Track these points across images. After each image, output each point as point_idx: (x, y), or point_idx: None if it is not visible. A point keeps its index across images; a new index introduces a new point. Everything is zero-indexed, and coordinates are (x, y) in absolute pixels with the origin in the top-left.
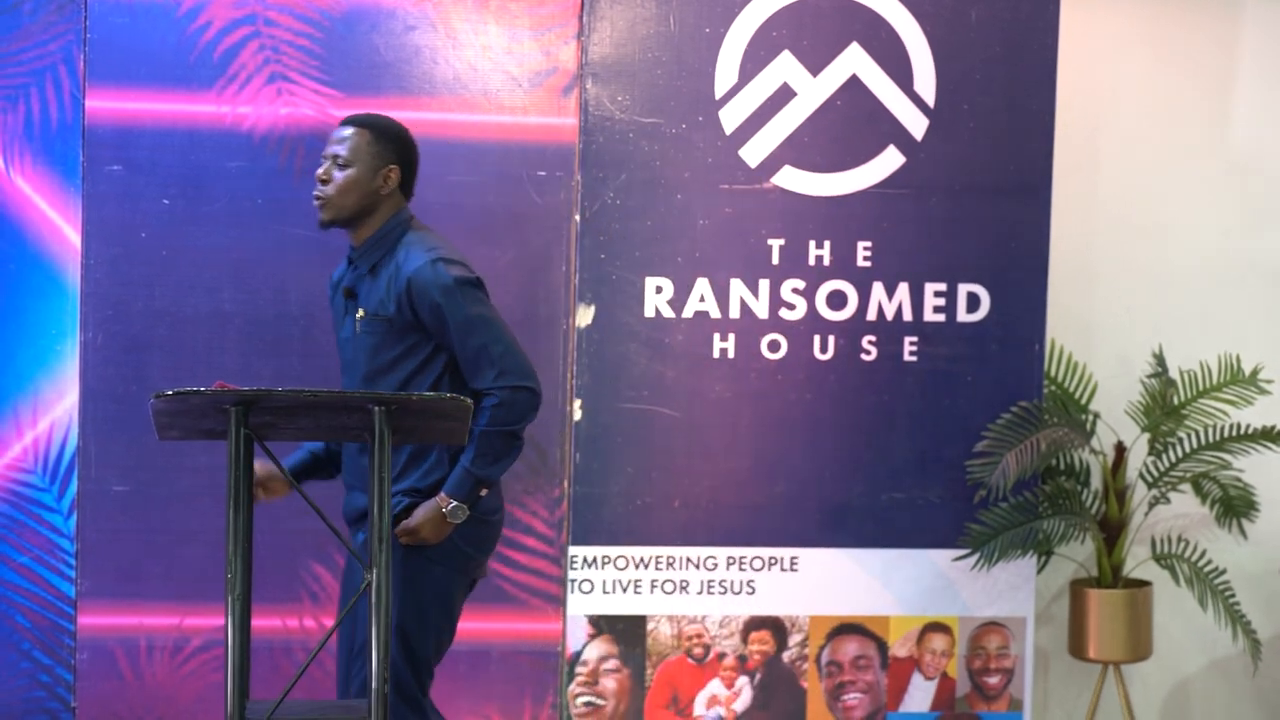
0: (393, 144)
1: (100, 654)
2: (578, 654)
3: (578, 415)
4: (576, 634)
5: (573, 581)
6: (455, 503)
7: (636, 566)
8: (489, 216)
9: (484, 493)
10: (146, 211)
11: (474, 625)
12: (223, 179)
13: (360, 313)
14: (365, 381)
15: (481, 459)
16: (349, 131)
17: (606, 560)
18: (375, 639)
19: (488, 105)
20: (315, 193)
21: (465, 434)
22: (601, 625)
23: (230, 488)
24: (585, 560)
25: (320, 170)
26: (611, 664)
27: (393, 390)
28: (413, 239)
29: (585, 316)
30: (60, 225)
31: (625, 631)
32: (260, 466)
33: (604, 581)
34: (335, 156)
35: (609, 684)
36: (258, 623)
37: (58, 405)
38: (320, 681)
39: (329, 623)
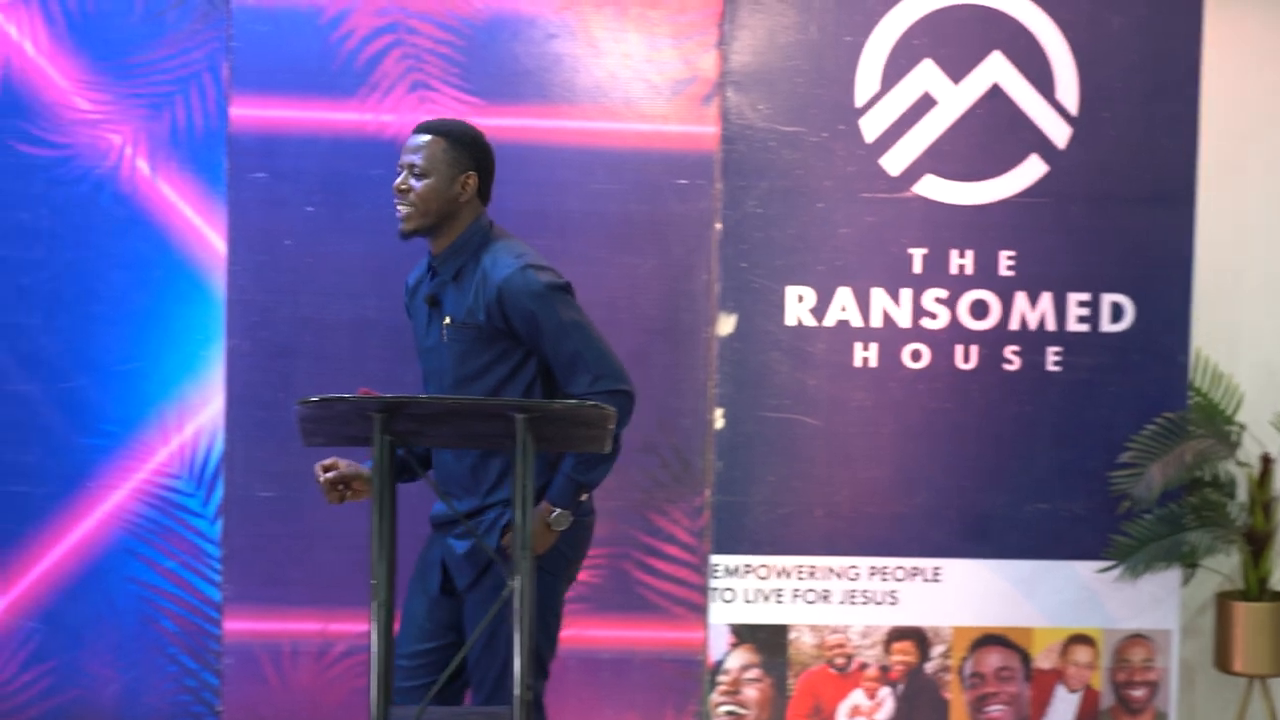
0: (469, 150)
1: (245, 659)
2: (720, 663)
3: (720, 424)
4: (718, 643)
5: (715, 590)
6: (559, 510)
7: (778, 576)
8: (630, 225)
9: (584, 498)
10: (290, 218)
11: (617, 633)
12: (365, 186)
13: (447, 320)
14: (453, 389)
15: (583, 465)
16: (424, 139)
17: (748, 569)
18: (519, 644)
19: (628, 113)
20: (396, 204)
21: (607, 441)
22: (743, 634)
23: (374, 493)
24: (727, 569)
25: (398, 180)
26: (753, 673)
27: (480, 396)
28: (497, 245)
29: (727, 325)
30: (205, 232)
31: (767, 641)
32: (347, 465)
33: (746, 590)
34: (412, 166)
35: (751, 693)
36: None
37: (204, 411)
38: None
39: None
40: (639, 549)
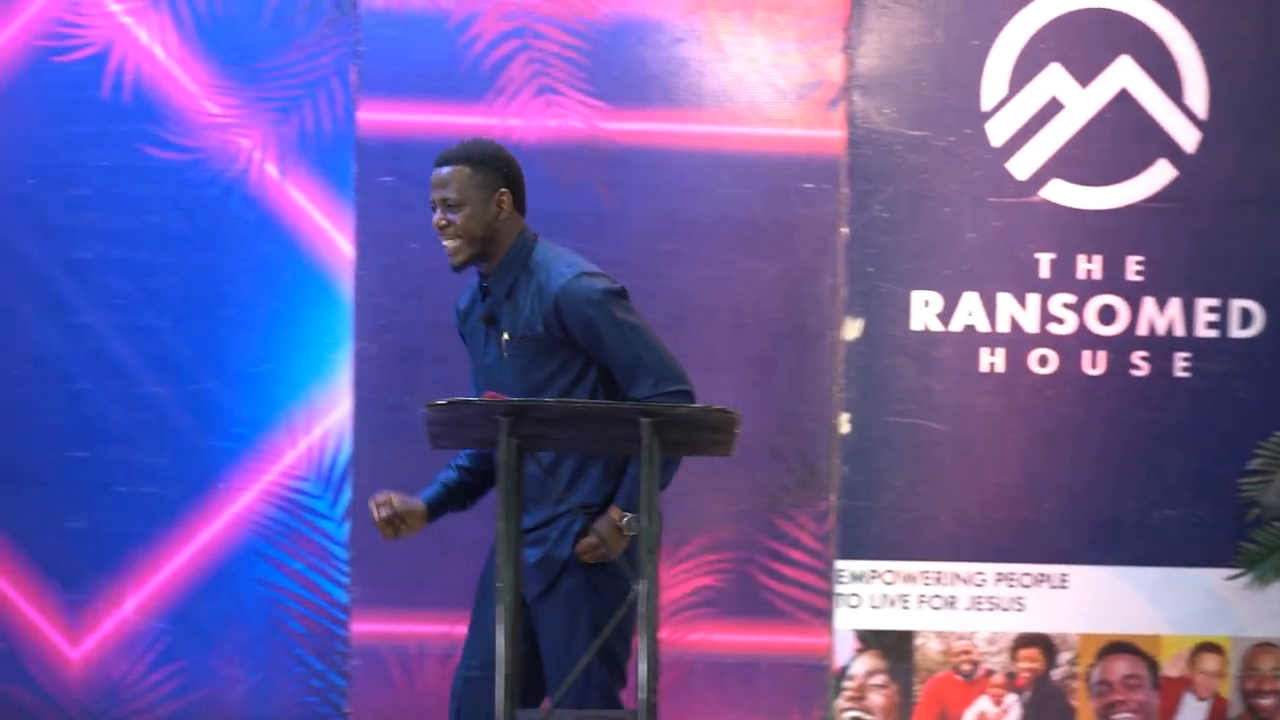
0: (494, 168)
1: (373, 660)
2: (845, 668)
3: (845, 428)
4: (844, 648)
5: (840, 596)
6: (630, 514)
7: (904, 581)
8: (756, 229)
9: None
10: (417, 222)
11: (742, 638)
12: None
13: (505, 336)
14: None
15: None
16: (448, 171)
17: (874, 575)
18: (644, 649)
19: (754, 118)
20: (443, 243)
21: (732, 446)
22: (869, 640)
23: (501, 497)
24: (853, 574)
25: (435, 219)
26: (879, 679)
27: None
28: (546, 254)
29: (853, 329)
30: (333, 235)
31: (893, 647)
32: (400, 502)
33: (871, 596)
34: (444, 200)
35: (876, 699)
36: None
37: (331, 414)
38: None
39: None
40: (764, 554)
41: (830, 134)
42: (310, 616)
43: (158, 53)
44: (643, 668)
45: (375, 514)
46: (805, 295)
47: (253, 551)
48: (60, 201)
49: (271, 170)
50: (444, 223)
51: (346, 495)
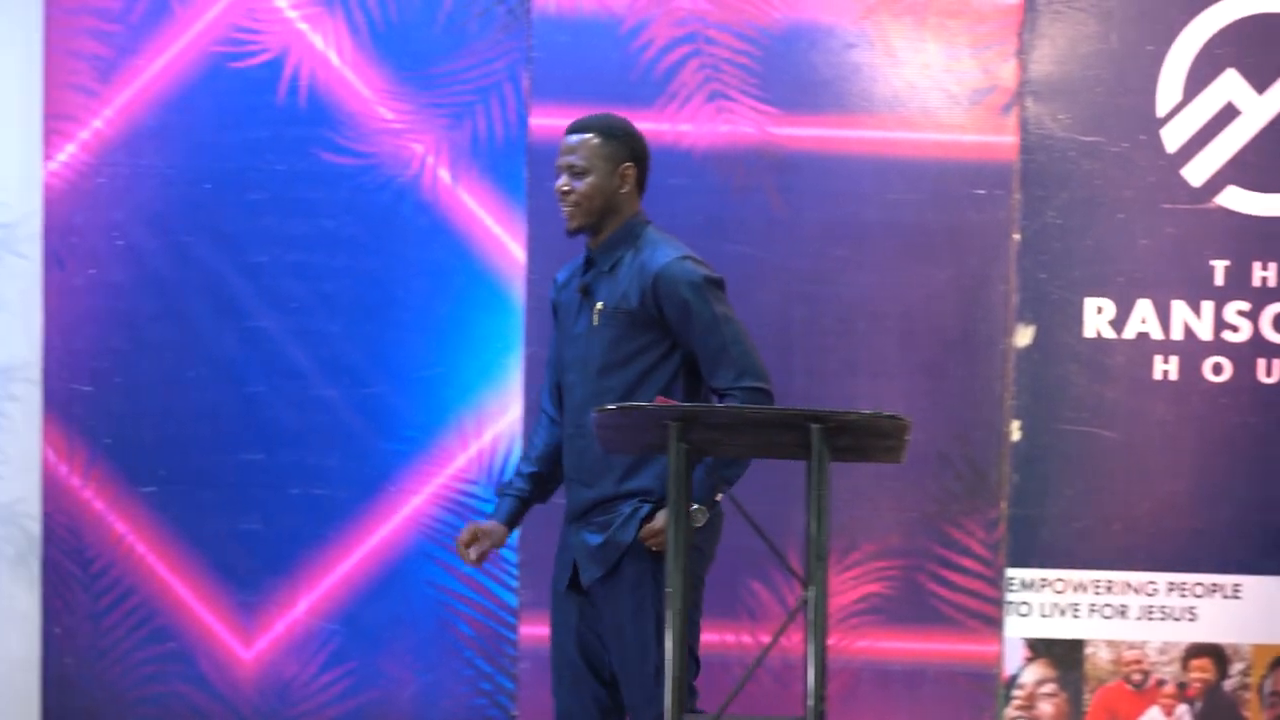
0: (624, 142)
1: (541, 663)
2: (1014, 677)
3: (1016, 436)
4: (1013, 656)
5: (1010, 603)
6: (697, 505)
7: (1075, 590)
8: (926, 234)
9: (719, 496)
10: None
11: (910, 645)
12: (663, 196)
13: (599, 305)
14: (598, 376)
15: (723, 461)
16: (579, 138)
17: (1044, 583)
18: (812, 655)
19: (926, 123)
20: (562, 206)
21: (902, 453)
22: (1039, 648)
23: (670, 502)
24: (1023, 582)
25: (559, 183)
26: (1049, 688)
27: (626, 385)
28: (655, 237)
29: (1025, 336)
30: (505, 240)
31: (1063, 655)
32: (492, 529)
33: (1041, 604)
34: (571, 166)
35: (1046, 708)
36: None
37: (502, 418)
38: (756, 697)
39: (765, 639)
40: (933, 561)
41: (1003, 140)
42: (479, 619)
43: (332, 58)
44: (811, 674)
45: (466, 556)
46: (976, 302)
47: (422, 554)
48: (236, 206)
49: (444, 175)
50: (567, 188)
51: None
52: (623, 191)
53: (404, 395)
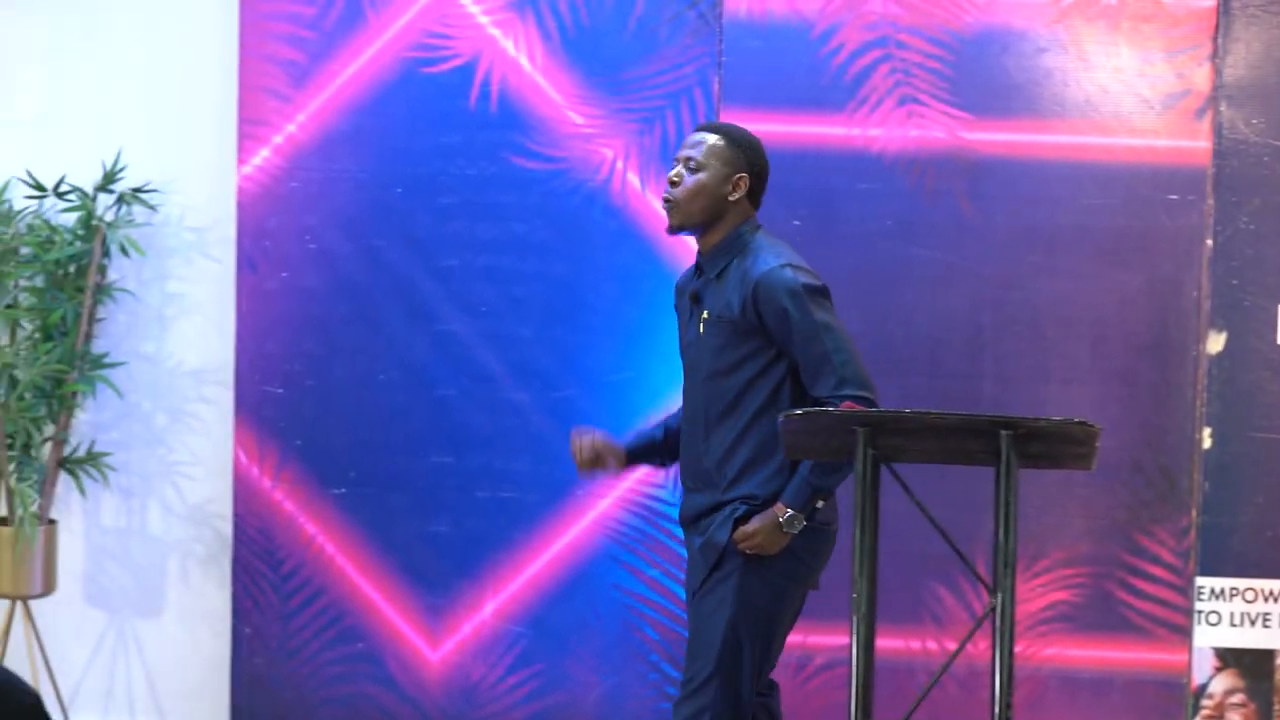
0: (744, 152)
1: None
2: (1203, 686)
3: (1207, 443)
4: (1202, 666)
5: (1200, 613)
6: (792, 512)
7: (1266, 599)
8: (1118, 239)
9: (820, 504)
10: (778, 232)
11: (1098, 653)
12: (852, 200)
13: (705, 314)
14: (706, 383)
15: (820, 469)
16: (702, 136)
17: (1235, 592)
18: (999, 662)
19: (1118, 128)
20: (664, 194)
21: (1092, 459)
22: (1228, 658)
23: (857, 507)
24: (1213, 591)
25: (672, 172)
26: (1238, 698)
27: (732, 393)
28: (762, 245)
29: (1216, 343)
30: (692, 245)
31: (1253, 666)
32: (603, 442)
33: (1232, 614)
34: (688, 159)
35: (1234, 718)
36: (881, 643)
37: None
38: (941, 704)
39: (951, 646)
40: (1122, 568)
41: (1196, 145)
42: (664, 623)
43: (524, 64)
44: (997, 682)
45: (578, 452)
46: (1168, 308)
47: (609, 557)
48: (427, 210)
49: (633, 180)
50: (676, 179)
51: None
52: (731, 199)
53: (593, 399)
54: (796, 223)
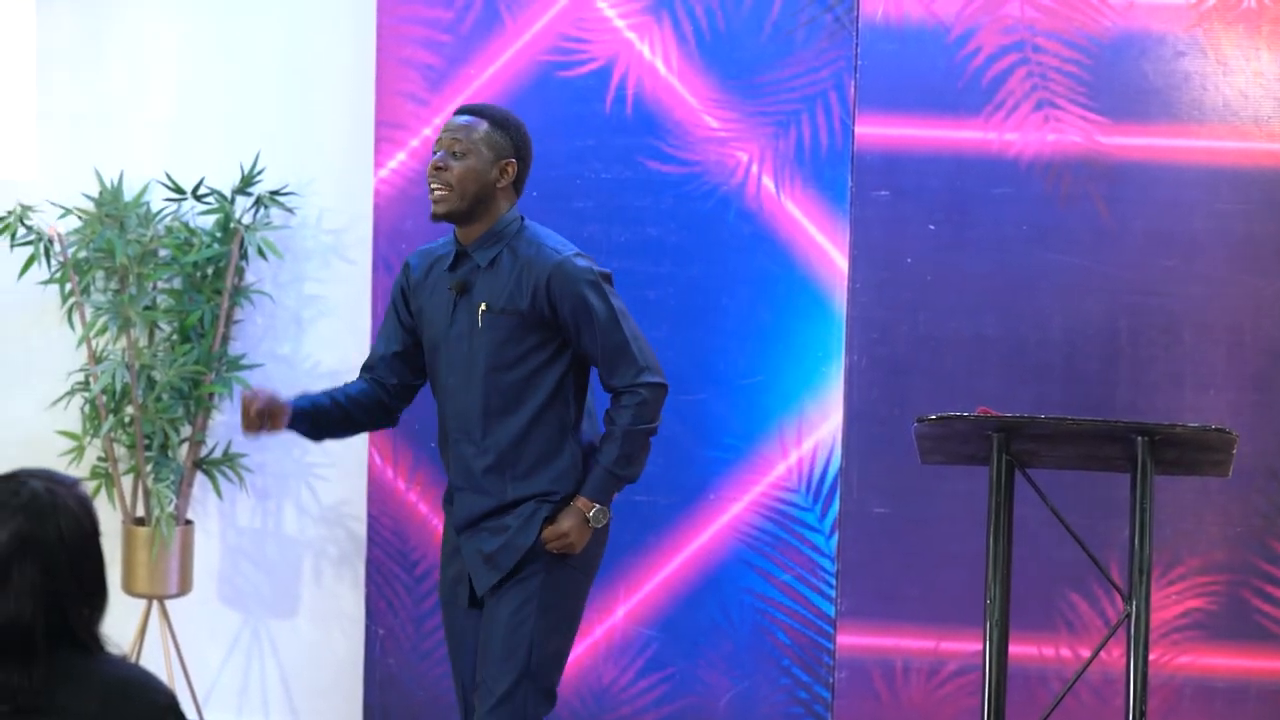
0: (511, 136)
1: (858, 673)
2: None
3: None
4: None
5: None
6: (598, 506)
7: None
8: (1255, 245)
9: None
10: (912, 237)
11: (1233, 662)
12: (987, 205)
13: (483, 307)
14: (485, 378)
15: (624, 460)
16: (465, 120)
17: None
18: (1134, 670)
19: (1257, 132)
20: (430, 184)
21: (1229, 466)
22: None
23: (991, 513)
24: None
25: (434, 159)
26: None
27: (514, 387)
28: (536, 233)
29: None
30: (828, 249)
31: None
32: (263, 399)
33: None
34: (452, 146)
35: None
36: (1013, 649)
37: (822, 426)
38: (1075, 712)
39: (1084, 653)
40: (1258, 576)
41: None
42: (796, 628)
43: (659, 67)
44: (1132, 690)
45: (246, 410)
46: None
47: (741, 561)
48: (562, 214)
49: (768, 184)
50: (442, 165)
51: (834, 508)
52: (499, 185)
53: (725, 403)
54: (931, 227)
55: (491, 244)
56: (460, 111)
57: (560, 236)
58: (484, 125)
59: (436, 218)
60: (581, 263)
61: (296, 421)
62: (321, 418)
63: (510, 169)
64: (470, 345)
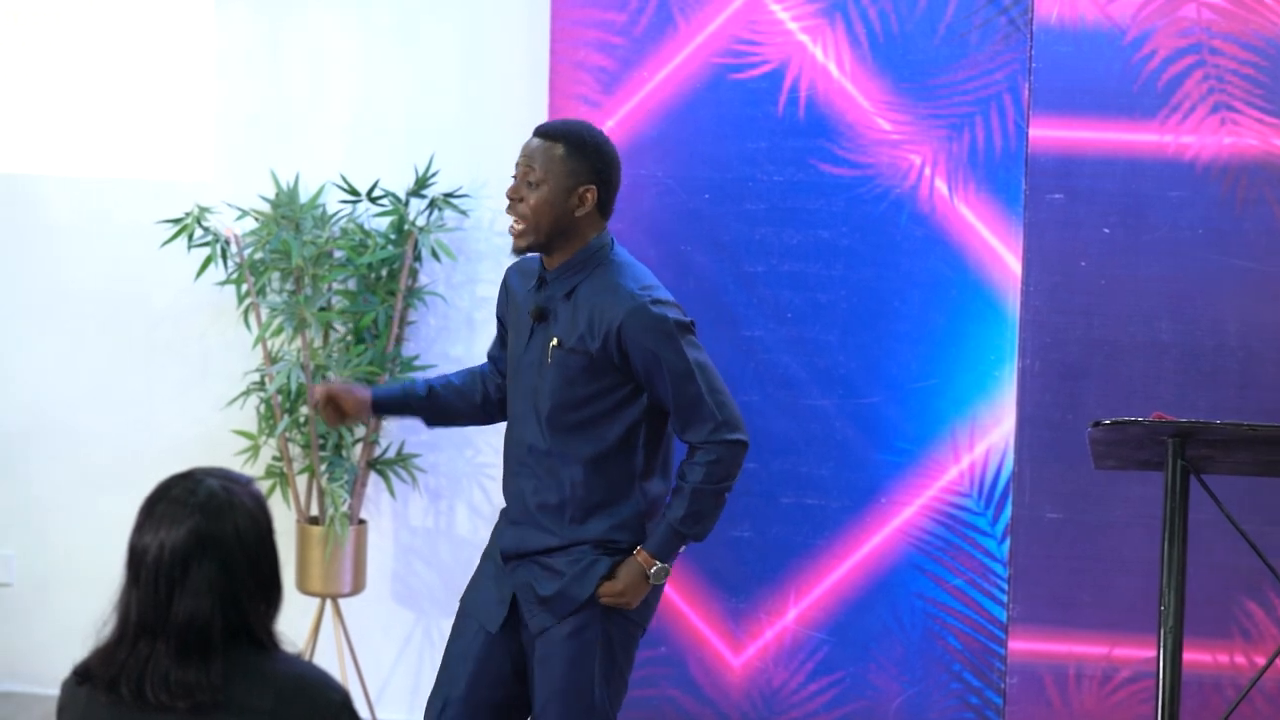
0: (589, 159)
1: (1029, 679)
2: None
3: None
4: None
5: None
6: (659, 564)
7: None
8: None
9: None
10: (1086, 240)
11: None
12: (1163, 208)
13: (555, 342)
14: (550, 415)
15: (692, 518)
16: (539, 144)
17: None
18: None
19: None
20: (508, 212)
21: None
22: None
23: (1166, 519)
24: None
25: (509, 188)
26: None
27: (582, 428)
28: (618, 269)
29: None
30: (1001, 252)
31: None
32: (342, 388)
33: None
34: (526, 174)
35: None
36: (1187, 656)
37: (994, 430)
38: None
39: (1260, 661)
40: None
41: None
42: (968, 632)
43: (832, 70)
44: None
45: (316, 401)
46: None
47: (912, 565)
48: (734, 216)
49: (941, 187)
50: (516, 197)
51: (1007, 513)
52: (579, 214)
53: (897, 406)
54: (1106, 230)
55: (571, 274)
56: (538, 132)
57: (646, 271)
58: (560, 149)
59: (516, 252)
60: (658, 311)
61: (386, 410)
62: (419, 405)
63: (590, 196)
64: (538, 378)
